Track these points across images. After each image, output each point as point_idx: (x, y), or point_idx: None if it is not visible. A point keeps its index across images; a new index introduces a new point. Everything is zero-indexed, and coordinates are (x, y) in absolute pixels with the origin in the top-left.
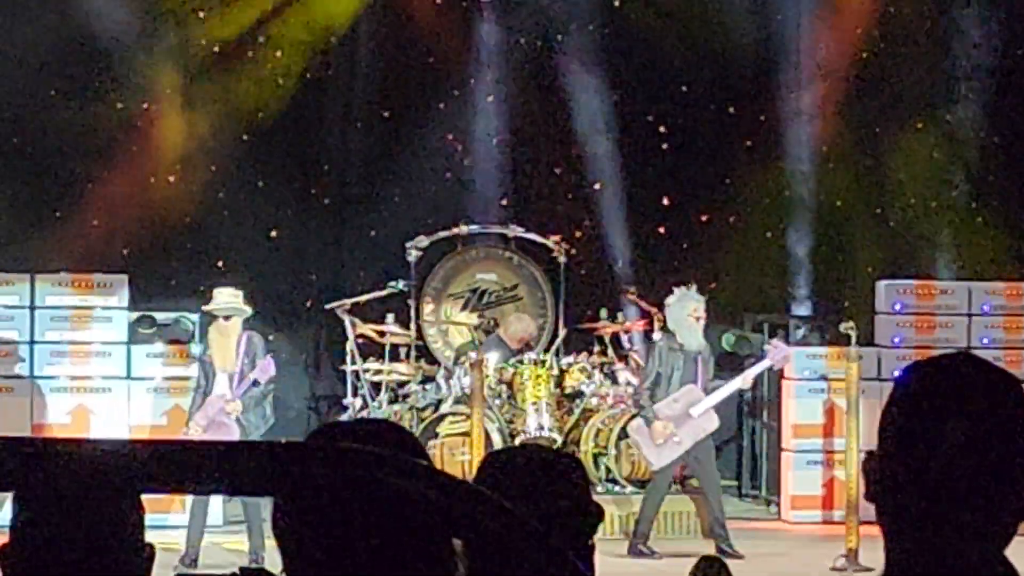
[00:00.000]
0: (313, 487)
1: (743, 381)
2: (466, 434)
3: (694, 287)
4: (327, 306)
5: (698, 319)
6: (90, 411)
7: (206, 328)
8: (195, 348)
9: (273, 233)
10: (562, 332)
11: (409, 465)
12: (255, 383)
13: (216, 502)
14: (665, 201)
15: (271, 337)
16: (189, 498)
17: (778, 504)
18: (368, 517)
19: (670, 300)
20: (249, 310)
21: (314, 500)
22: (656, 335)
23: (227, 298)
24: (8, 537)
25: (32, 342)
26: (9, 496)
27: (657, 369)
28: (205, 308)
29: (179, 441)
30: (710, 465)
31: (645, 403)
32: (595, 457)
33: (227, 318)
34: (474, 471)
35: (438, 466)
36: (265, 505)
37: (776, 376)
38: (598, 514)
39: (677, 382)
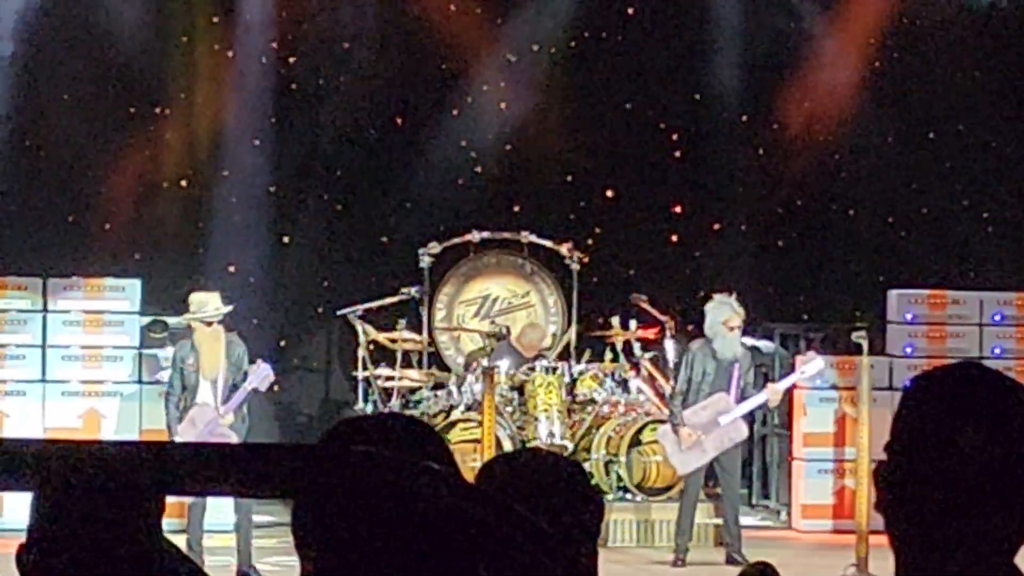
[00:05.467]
0: (333, 490)
1: (773, 392)
2: (477, 441)
3: (734, 296)
4: (339, 312)
5: (731, 329)
6: (101, 415)
7: (182, 334)
8: (163, 353)
9: (285, 239)
10: (573, 338)
11: (425, 470)
12: (255, 391)
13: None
14: (677, 209)
15: (282, 343)
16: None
17: (788, 513)
18: (388, 522)
19: (708, 306)
20: (230, 308)
21: (334, 504)
22: (668, 343)
23: (217, 303)
24: (27, 538)
25: (44, 346)
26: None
27: (688, 375)
28: (196, 317)
29: (200, 443)
30: (733, 474)
31: (675, 409)
32: (606, 465)
33: (220, 322)
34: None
35: None
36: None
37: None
38: (600, 516)
39: (708, 389)
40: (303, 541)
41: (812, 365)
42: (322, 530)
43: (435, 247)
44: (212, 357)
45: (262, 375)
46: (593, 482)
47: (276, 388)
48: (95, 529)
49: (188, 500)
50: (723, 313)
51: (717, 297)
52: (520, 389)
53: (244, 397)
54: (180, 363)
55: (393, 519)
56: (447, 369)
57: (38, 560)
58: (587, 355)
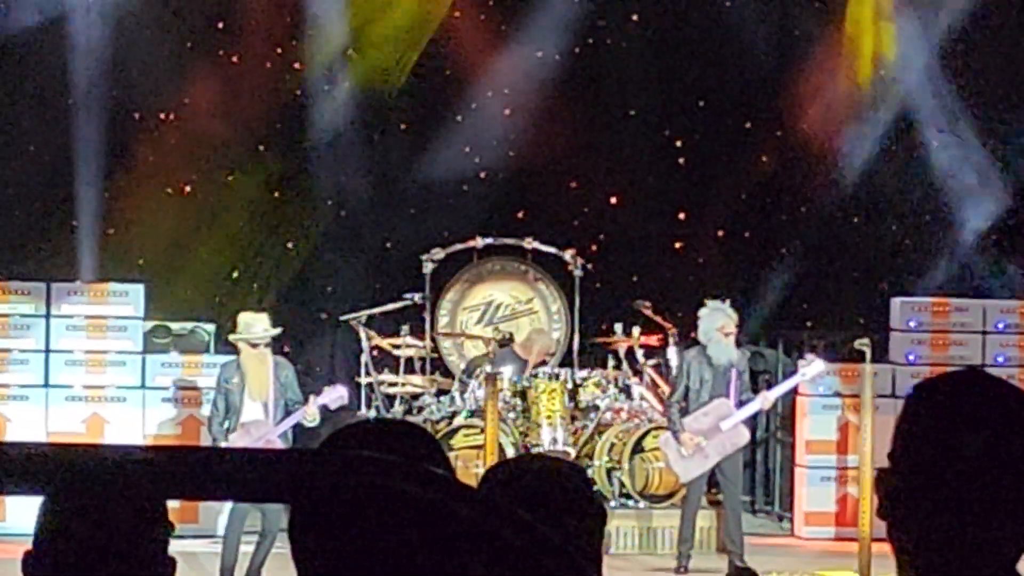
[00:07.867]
0: (331, 495)
1: (764, 399)
2: (480, 447)
3: (727, 302)
4: (342, 318)
5: (727, 335)
6: (105, 420)
7: (227, 353)
8: (206, 362)
9: (289, 244)
10: (576, 344)
11: (427, 474)
12: (326, 408)
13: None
14: (681, 216)
15: (285, 349)
16: (226, 509)
17: (791, 520)
18: (385, 526)
19: (702, 312)
20: (278, 331)
21: (331, 508)
22: (671, 350)
23: (264, 324)
24: (32, 544)
25: (47, 351)
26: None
27: (686, 383)
28: (242, 337)
29: (200, 448)
30: (735, 481)
31: (673, 416)
32: (609, 471)
33: (266, 345)
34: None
35: None
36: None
37: (790, 392)
38: (603, 522)
39: (707, 395)
40: (301, 547)
41: (813, 367)
42: (321, 535)
43: (438, 253)
44: (260, 379)
45: (335, 394)
46: (596, 489)
47: None
48: (100, 534)
49: (228, 505)
50: (717, 319)
51: (710, 303)
52: (523, 395)
53: (299, 417)
54: (224, 384)
55: (392, 524)
56: (450, 375)
57: (45, 565)
58: (590, 361)
